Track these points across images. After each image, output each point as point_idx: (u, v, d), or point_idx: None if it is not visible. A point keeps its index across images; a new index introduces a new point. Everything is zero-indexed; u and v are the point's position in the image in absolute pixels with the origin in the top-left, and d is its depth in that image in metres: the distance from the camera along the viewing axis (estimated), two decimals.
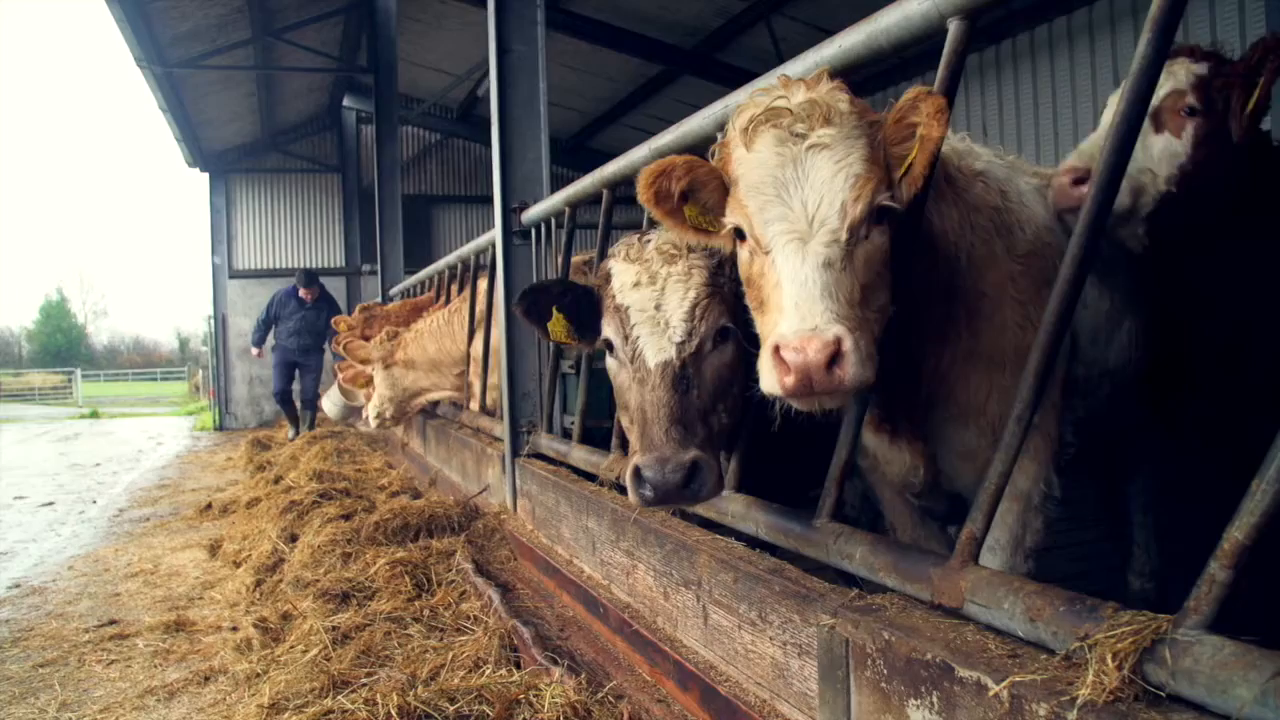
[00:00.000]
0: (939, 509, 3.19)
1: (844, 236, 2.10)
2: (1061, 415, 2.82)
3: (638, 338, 2.68)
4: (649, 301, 2.69)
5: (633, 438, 2.62)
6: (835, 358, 1.97)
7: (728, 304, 2.68)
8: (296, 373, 14.94)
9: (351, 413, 11.55)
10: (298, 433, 14.36)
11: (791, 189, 2.14)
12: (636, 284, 2.73)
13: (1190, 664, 1.57)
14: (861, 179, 2.13)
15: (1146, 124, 3.29)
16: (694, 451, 2.46)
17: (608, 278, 2.89)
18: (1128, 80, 1.83)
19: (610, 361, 2.86)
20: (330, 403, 11.38)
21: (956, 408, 2.66)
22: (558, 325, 3.02)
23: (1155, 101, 3.16)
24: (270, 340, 15.22)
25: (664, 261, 2.75)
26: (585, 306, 2.98)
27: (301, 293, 14.67)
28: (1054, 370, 2.06)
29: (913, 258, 2.38)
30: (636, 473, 2.46)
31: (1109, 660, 1.64)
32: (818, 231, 2.10)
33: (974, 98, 11.92)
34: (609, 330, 2.82)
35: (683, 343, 2.63)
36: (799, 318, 2.01)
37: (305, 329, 14.64)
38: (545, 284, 3.07)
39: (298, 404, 15.16)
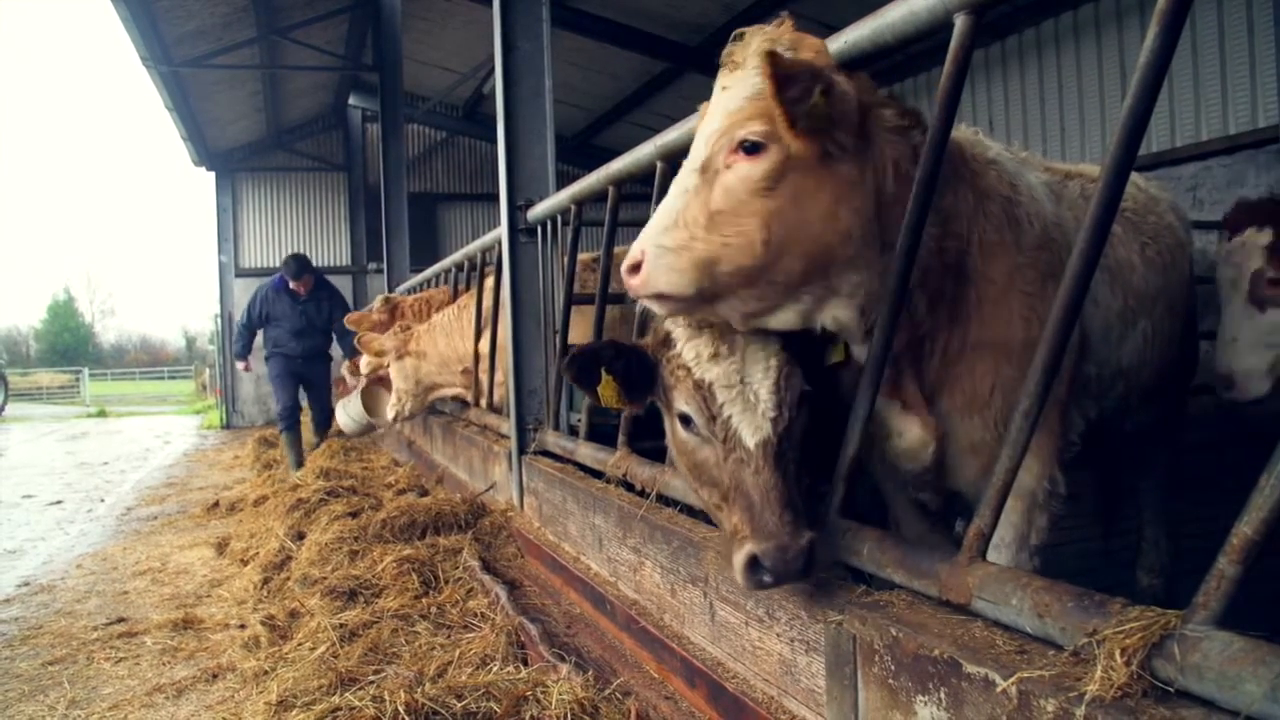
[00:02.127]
0: (936, 505, 3.18)
1: (696, 166, 2.34)
2: (1068, 412, 2.80)
3: (729, 416, 2.52)
4: (734, 375, 2.54)
5: (731, 517, 2.48)
6: (636, 267, 2.30)
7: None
8: (300, 377, 11.68)
9: (370, 427, 10.52)
10: (301, 464, 10.72)
11: (701, 123, 2.46)
12: (715, 355, 2.57)
13: (1199, 660, 1.56)
14: (731, 114, 2.31)
15: (1249, 307, 3.81)
16: (808, 534, 2.37)
17: (668, 342, 2.74)
18: (1136, 74, 1.82)
19: (685, 435, 2.68)
20: (347, 416, 10.29)
21: (963, 398, 2.64)
22: (608, 389, 2.83)
23: (1245, 285, 3.81)
24: (260, 348, 11.85)
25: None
26: (637, 369, 2.81)
27: (292, 285, 11.30)
28: (1060, 366, 2.05)
29: (920, 225, 2.37)
30: (754, 561, 2.35)
31: (1117, 656, 1.64)
32: (689, 159, 2.38)
33: (980, 93, 11.89)
34: (687, 406, 2.63)
35: (776, 418, 2.51)
36: (643, 234, 2.34)
37: (308, 328, 11.45)
38: (596, 348, 2.84)
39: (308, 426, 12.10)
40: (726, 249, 2.26)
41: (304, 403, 11.99)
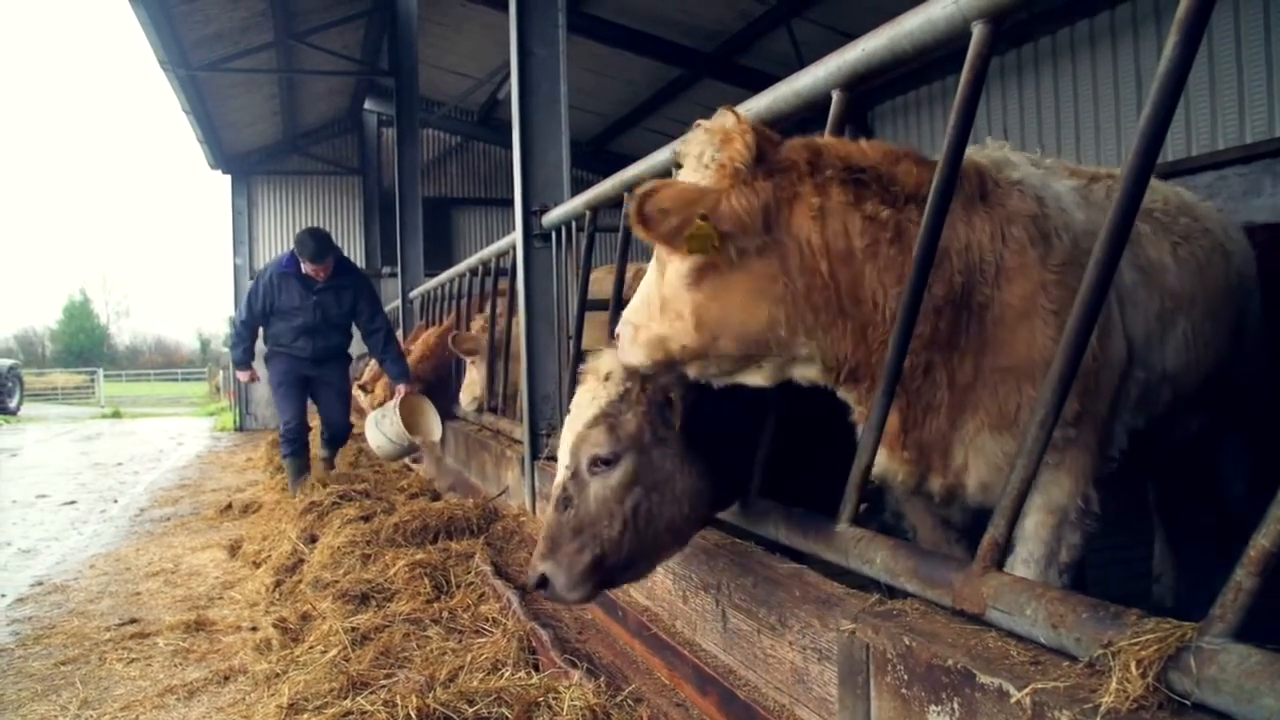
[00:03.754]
0: (958, 519, 3.16)
1: (658, 253, 2.62)
2: (1108, 428, 2.75)
3: None
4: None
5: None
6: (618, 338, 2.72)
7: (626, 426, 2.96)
8: (310, 394, 9.32)
9: (411, 449, 9.00)
10: (299, 487, 8.63)
11: None
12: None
13: (1216, 672, 1.55)
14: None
15: None
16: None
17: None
18: (1155, 83, 1.81)
19: None
20: (382, 435, 8.61)
21: (988, 418, 2.63)
22: None
23: None
24: (262, 346, 9.46)
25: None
26: None
27: (306, 269, 8.72)
28: (1075, 375, 2.04)
29: (925, 273, 2.41)
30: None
31: (1133, 668, 1.63)
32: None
33: (995, 101, 11.87)
34: None
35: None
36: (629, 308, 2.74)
37: (323, 324, 8.92)
38: None
39: (317, 445, 9.53)
40: (673, 330, 2.57)
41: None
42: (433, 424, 8.88)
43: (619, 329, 2.74)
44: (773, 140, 2.60)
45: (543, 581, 2.91)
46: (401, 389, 8.98)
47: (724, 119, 2.60)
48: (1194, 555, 4.29)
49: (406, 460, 10.37)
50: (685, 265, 2.53)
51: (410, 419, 8.71)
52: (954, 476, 2.72)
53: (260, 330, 9.19)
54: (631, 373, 2.92)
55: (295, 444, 9.04)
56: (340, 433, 9.46)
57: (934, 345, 2.58)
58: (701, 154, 2.58)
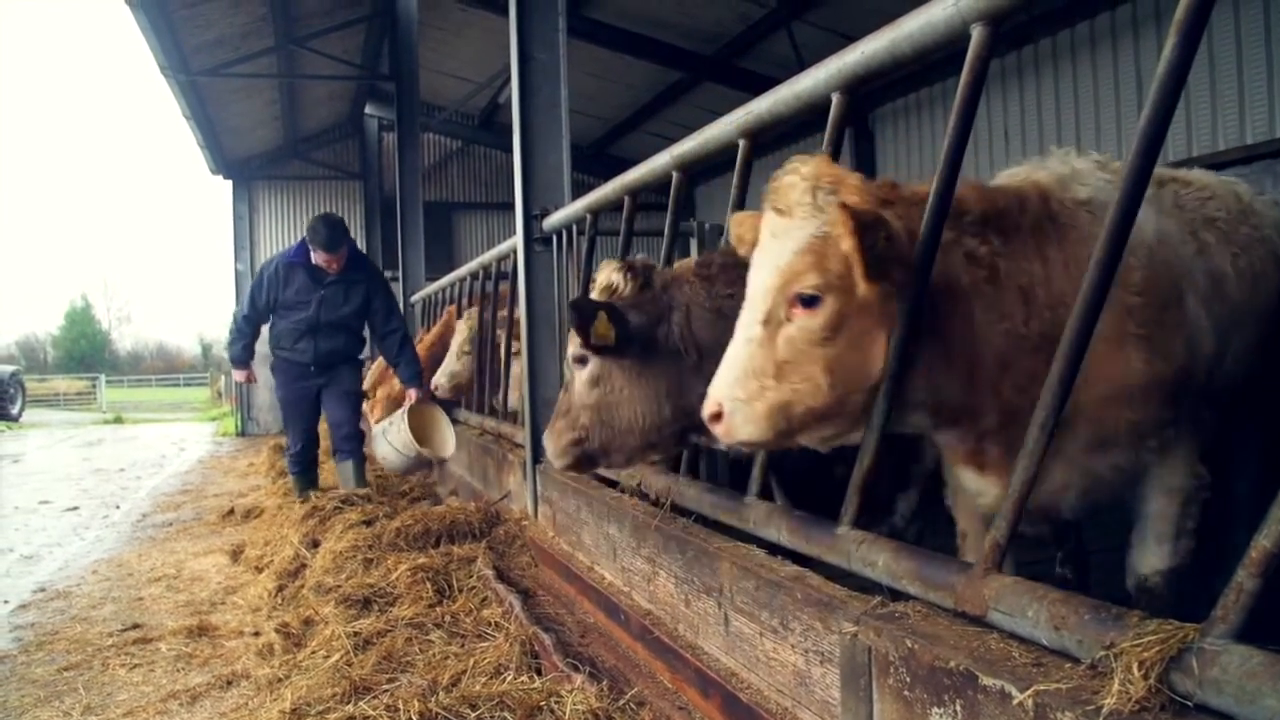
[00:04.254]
0: (1043, 531, 3.19)
1: (759, 319, 2.48)
2: (1204, 414, 2.84)
3: None
4: None
5: None
6: (718, 416, 2.52)
7: None
8: (319, 401, 8.42)
9: (423, 463, 8.25)
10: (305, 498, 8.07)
11: (753, 271, 2.58)
12: None
13: (1218, 673, 1.55)
14: (784, 270, 2.43)
15: None
16: None
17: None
18: (1154, 84, 1.81)
19: None
20: (390, 446, 7.91)
21: (1087, 441, 2.65)
22: (601, 324, 3.41)
23: None
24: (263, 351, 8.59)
25: None
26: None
27: (318, 259, 7.95)
28: (1074, 379, 2.04)
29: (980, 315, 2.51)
30: None
31: (1135, 669, 1.63)
32: (749, 310, 2.52)
33: (996, 103, 11.87)
34: None
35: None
36: (716, 384, 2.56)
37: (330, 323, 8.06)
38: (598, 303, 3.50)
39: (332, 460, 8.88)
40: (796, 394, 2.44)
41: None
42: (446, 438, 8.15)
43: (715, 406, 2.54)
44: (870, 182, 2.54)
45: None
46: (412, 394, 8.24)
47: (814, 161, 2.51)
48: (1201, 555, 4.28)
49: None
50: (819, 319, 2.41)
51: (421, 431, 7.87)
52: (1051, 496, 2.75)
53: (263, 329, 8.40)
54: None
55: (302, 463, 8.47)
56: (350, 443, 8.39)
57: (1036, 381, 2.42)
58: (813, 195, 2.43)
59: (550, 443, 3.59)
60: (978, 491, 2.82)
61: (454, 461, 8.82)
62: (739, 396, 2.48)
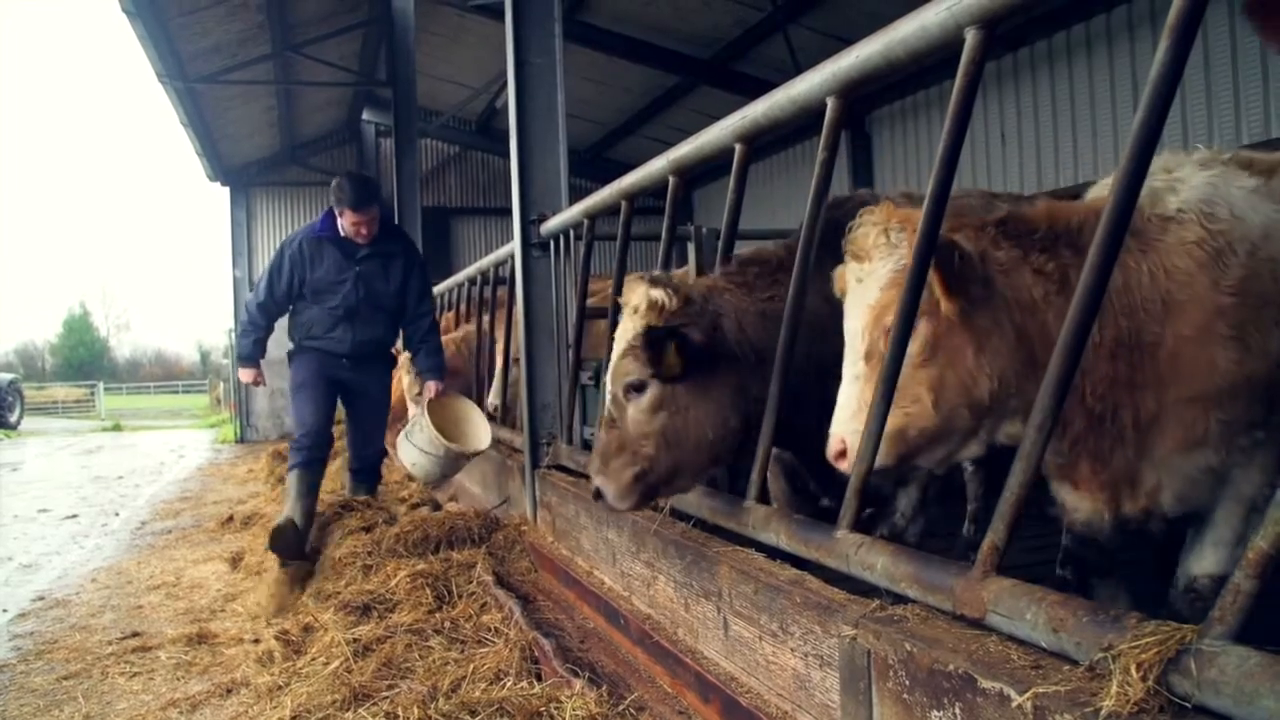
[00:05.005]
0: (1157, 530, 3.18)
1: (860, 356, 2.67)
2: None
3: None
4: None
5: None
6: (843, 453, 2.68)
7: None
8: (341, 397, 7.12)
9: (455, 462, 6.91)
10: (305, 526, 6.53)
11: (847, 317, 2.78)
12: None
13: (1216, 674, 1.55)
14: (874, 306, 2.64)
15: None
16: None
17: None
18: (1147, 88, 1.82)
19: None
20: (415, 449, 6.67)
21: (1177, 443, 2.70)
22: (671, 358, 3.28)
23: None
24: (282, 335, 7.10)
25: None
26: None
27: (346, 226, 6.68)
28: (1070, 383, 2.05)
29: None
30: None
31: (1133, 671, 1.63)
32: (851, 351, 2.73)
33: (992, 105, 11.89)
34: None
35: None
36: (836, 421, 2.73)
37: (366, 305, 6.83)
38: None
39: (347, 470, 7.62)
40: (909, 418, 2.60)
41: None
42: (477, 429, 7.02)
43: (839, 444, 2.70)
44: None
45: (598, 494, 3.42)
46: (431, 387, 7.00)
47: (882, 207, 2.72)
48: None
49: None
50: (914, 346, 2.56)
51: (446, 426, 6.77)
52: (1147, 499, 2.80)
53: (281, 319, 7.02)
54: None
55: (309, 453, 6.67)
56: (373, 461, 7.35)
57: (1116, 386, 2.65)
58: (886, 236, 2.64)
59: (611, 485, 3.32)
60: (1073, 507, 2.91)
61: None
62: (858, 429, 2.61)
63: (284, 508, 6.62)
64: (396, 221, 14.04)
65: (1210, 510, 2.82)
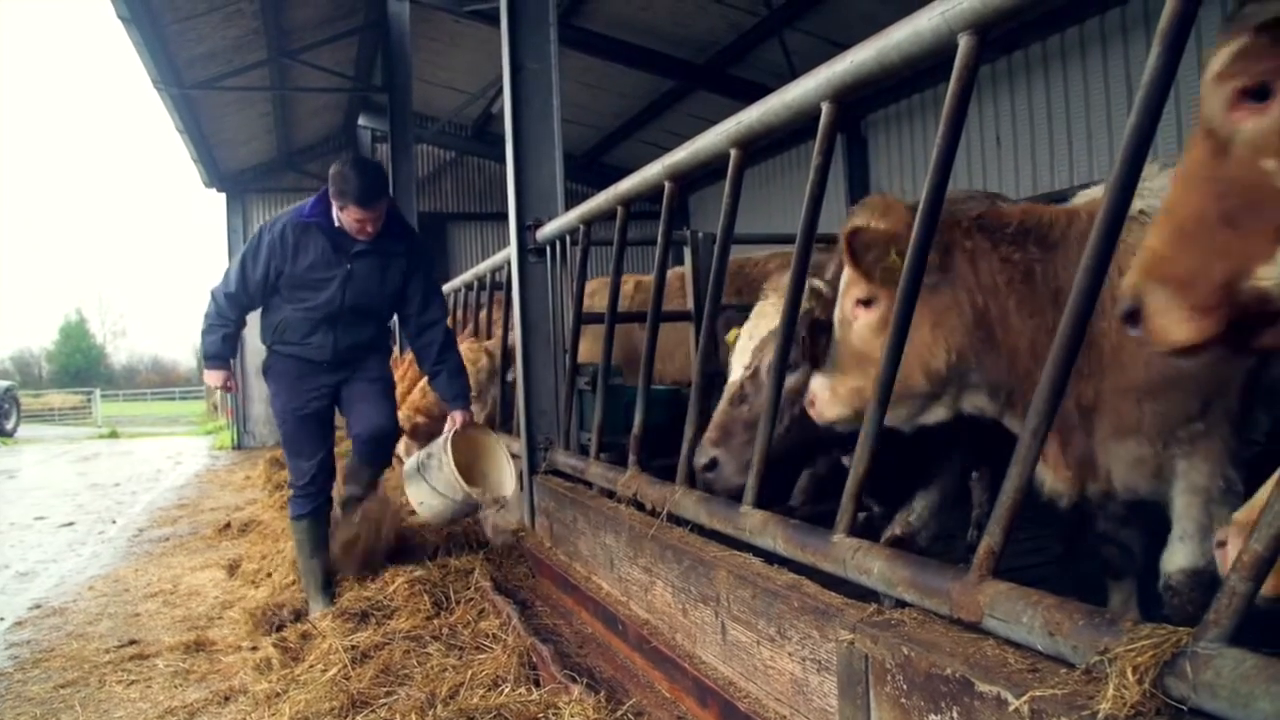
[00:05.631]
0: (1118, 512, 3.27)
1: (838, 321, 3.20)
2: (1242, 416, 2.87)
3: None
4: None
5: None
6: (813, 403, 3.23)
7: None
8: (334, 409, 5.87)
9: (470, 508, 5.91)
10: (329, 586, 5.61)
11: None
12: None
13: (1212, 677, 1.56)
14: (848, 284, 3.12)
15: None
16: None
17: None
18: (1139, 94, 1.83)
19: None
20: (427, 488, 5.72)
21: (1114, 430, 2.87)
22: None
23: None
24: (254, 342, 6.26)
25: None
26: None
27: (346, 218, 5.46)
28: (1064, 390, 2.05)
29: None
30: None
31: (1129, 674, 1.64)
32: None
33: (987, 108, 11.91)
34: None
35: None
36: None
37: (352, 310, 5.63)
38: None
39: (336, 501, 5.94)
40: (866, 379, 2.93)
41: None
42: (500, 471, 6.05)
43: (811, 394, 3.21)
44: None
45: (712, 464, 3.68)
46: (456, 418, 5.82)
47: (879, 197, 3.14)
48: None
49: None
50: (874, 315, 3.02)
51: (468, 463, 5.83)
52: (1105, 482, 2.98)
53: (253, 316, 5.84)
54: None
55: (314, 499, 5.68)
56: (385, 431, 5.82)
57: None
58: (867, 220, 3.00)
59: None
60: (1040, 481, 3.05)
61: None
62: (826, 383, 3.16)
63: (304, 566, 5.70)
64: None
65: (1172, 507, 2.92)
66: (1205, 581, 2.80)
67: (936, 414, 3.09)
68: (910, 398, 2.99)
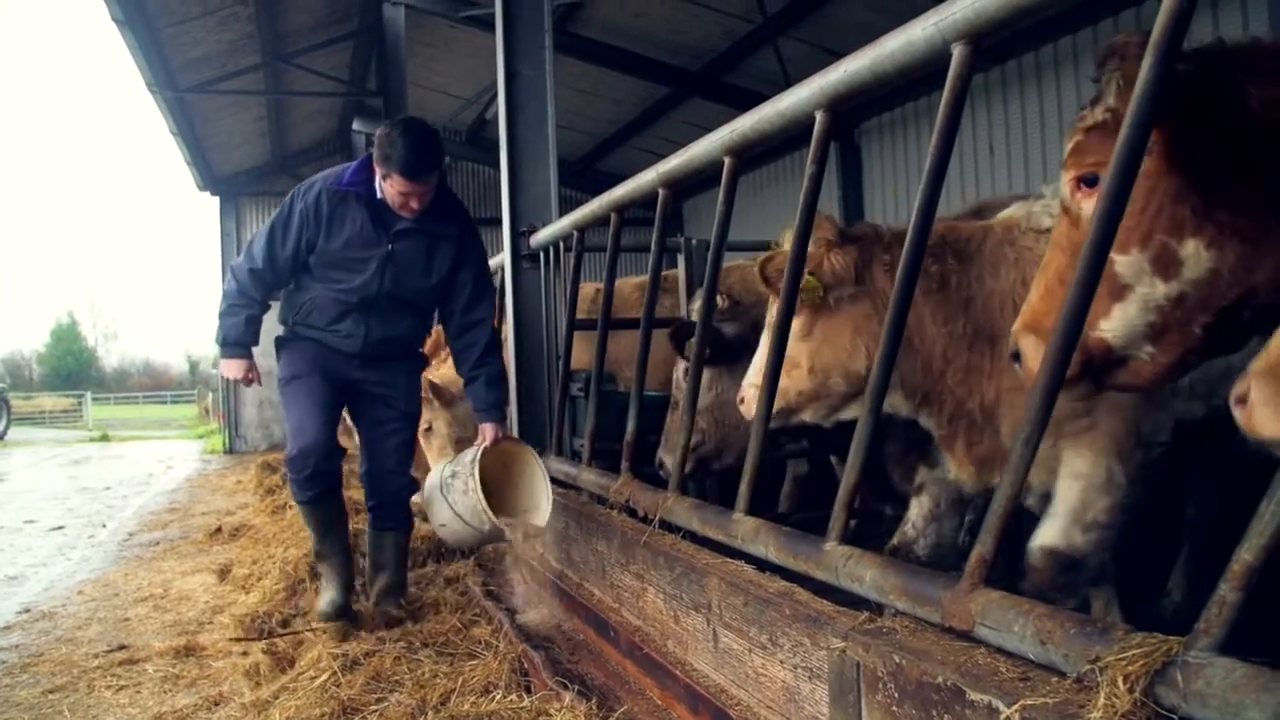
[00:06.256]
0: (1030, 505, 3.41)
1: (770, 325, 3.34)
2: (1138, 414, 2.98)
3: None
4: None
5: None
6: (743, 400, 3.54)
7: None
8: (348, 401, 5.18)
9: (493, 535, 4.95)
10: (344, 603, 4.98)
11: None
12: None
13: (1202, 686, 1.56)
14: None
15: None
16: None
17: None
18: (1131, 106, 1.83)
19: None
20: (449, 510, 4.85)
21: (1012, 426, 3.05)
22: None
23: None
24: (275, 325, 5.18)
25: None
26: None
27: (391, 190, 4.73)
28: (1055, 397, 2.06)
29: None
30: None
31: (1120, 683, 1.64)
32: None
33: (980, 117, 11.93)
34: None
35: None
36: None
37: (391, 295, 4.91)
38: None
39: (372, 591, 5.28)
40: (791, 379, 3.29)
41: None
42: (537, 491, 5.06)
43: (741, 392, 3.52)
44: (846, 225, 3.42)
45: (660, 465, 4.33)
46: (488, 432, 4.98)
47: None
48: (1206, 572, 4.29)
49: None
50: (797, 323, 3.22)
51: (496, 480, 5.00)
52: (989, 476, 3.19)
53: (270, 297, 5.03)
54: None
55: (316, 479, 4.85)
56: (400, 495, 5.23)
57: (972, 373, 3.16)
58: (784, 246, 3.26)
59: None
60: (948, 469, 3.35)
61: None
62: (754, 383, 3.37)
63: (327, 575, 5.08)
64: None
65: (1054, 491, 3.07)
66: (1063, 563, 2.92)
67: (852, 412, 3.35)
68: (829, 396, 3.34)
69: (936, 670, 2.03)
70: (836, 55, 2.73)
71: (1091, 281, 1.94)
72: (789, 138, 3.26)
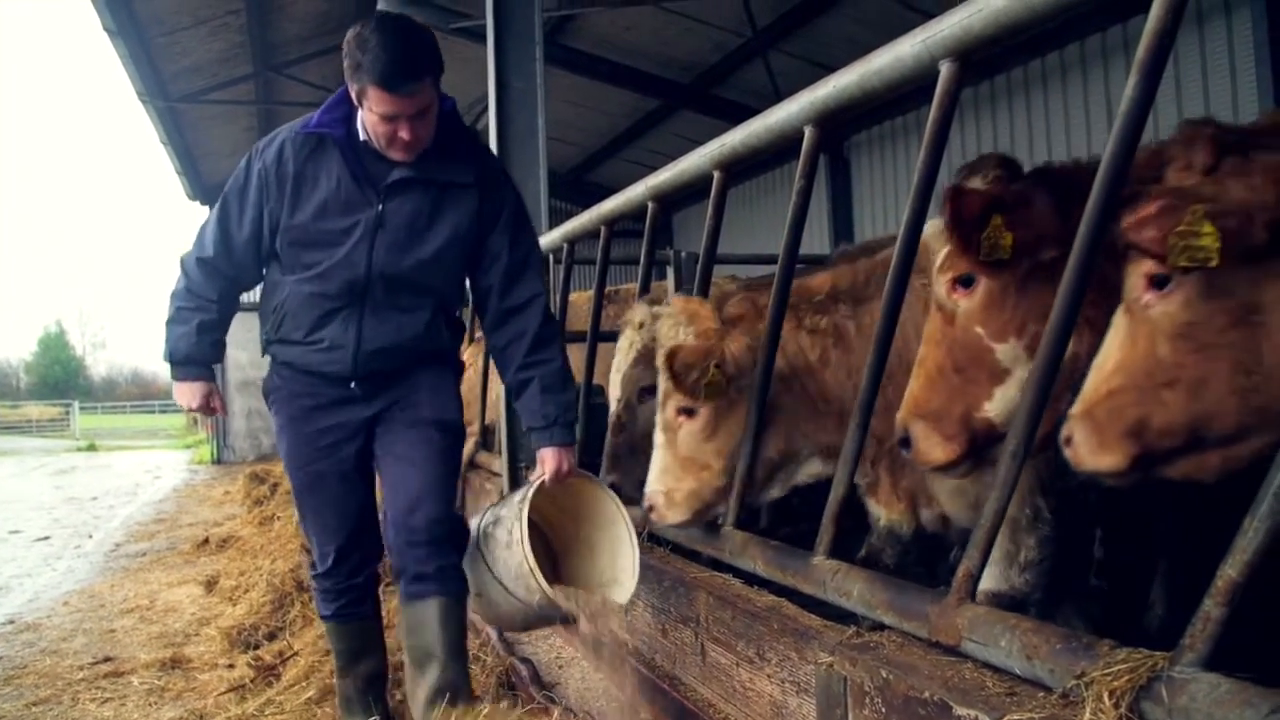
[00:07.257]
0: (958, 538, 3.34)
1: (663, 427, 3.35)
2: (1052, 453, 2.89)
3: None
4: None
5: None
6: (652, 509, 3.31)
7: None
8: (370, 455, 3.49)
9: (549, 615, 3.48)
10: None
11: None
12: None
13: (1187, 701, 1.57)
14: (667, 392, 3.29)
15: None
16: None
17: None
18: (1117, 122, 1.85)
19: None
20: (493, 581, 3.37)
21: None
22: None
23: None
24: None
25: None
26: None
27: (376, 120, 3.09)
28: (1042, 412, 2.07)
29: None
30: None
31: (1105, 698, 1.65)
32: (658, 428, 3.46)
33: (969, 131, 12.00)
34: None
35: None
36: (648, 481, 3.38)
37: (393, 277, 3.26)
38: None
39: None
40: (701, 480, 3.23)
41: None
42: (620, 552, 3.58)
43: (649, 499, 3.26)
44: (718, 306, 3.33)
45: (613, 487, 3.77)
46: (549, 459, 3.45)
47: (682, 302, 3.36)
48: (1187, 586, 4.29)
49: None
50: (697, 424, 3.19)
51: (565, 536, 3.83)
52: (938, 507, 3.12)
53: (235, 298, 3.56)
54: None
55: (341, 598, 3.59)
56: (429, 536, 3.35)
57: (889, 410, 2.95)
58: (676, 333, 3.20)
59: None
60: (876, 516, 3.26)
61: None
62: (661, 490, 3.26)
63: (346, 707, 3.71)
64: None
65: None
66: (1006, 604, 2.82)
67: (773, 493, 3.34)
68: (746, 487, 3.19)
69: (923, 685, 2.04)
70: (826, 69, 2.75)
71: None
72: (779, 151, 3.27)
